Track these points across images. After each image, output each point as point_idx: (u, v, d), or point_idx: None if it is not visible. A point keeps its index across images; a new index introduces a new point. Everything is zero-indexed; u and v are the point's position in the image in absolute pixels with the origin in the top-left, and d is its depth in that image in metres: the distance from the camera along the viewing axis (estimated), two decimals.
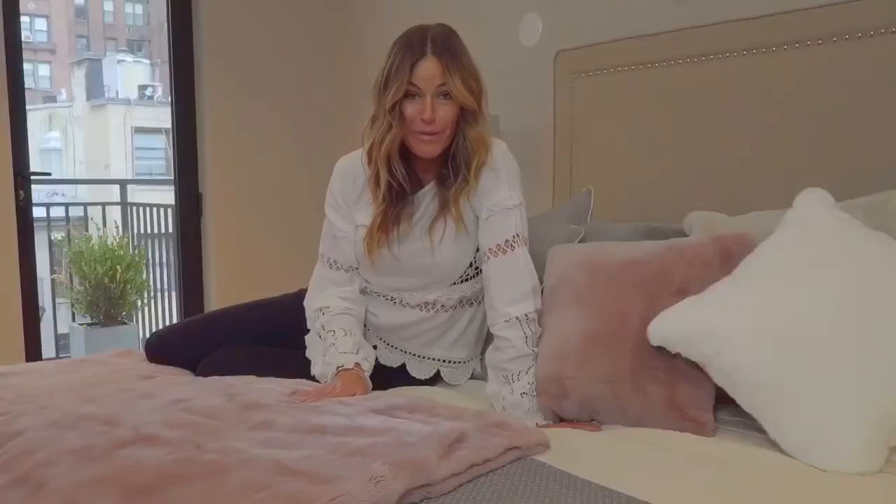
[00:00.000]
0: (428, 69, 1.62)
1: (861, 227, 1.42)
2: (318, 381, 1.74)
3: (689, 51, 2.13)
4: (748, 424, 1.40)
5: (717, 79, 2.07)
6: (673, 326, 1.43)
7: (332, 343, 1.72)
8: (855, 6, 1.82)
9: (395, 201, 1.71)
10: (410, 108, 1.64)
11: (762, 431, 1.34)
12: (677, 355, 1.43)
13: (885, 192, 1.65)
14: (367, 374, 1.69)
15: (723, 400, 1.43)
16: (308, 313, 1.86)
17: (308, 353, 1.83)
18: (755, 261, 1.45)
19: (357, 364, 1.68)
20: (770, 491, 1.14)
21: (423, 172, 1.75)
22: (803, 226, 1.44)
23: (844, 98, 1.85)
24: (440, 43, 1.63)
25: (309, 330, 1.86)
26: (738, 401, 1.38)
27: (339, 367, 1.67)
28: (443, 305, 1.79)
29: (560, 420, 1.61)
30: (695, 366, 1.42)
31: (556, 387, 1.57)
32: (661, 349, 1.45)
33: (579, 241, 1.95)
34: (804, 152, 1.91)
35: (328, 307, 1.79)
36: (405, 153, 1.71)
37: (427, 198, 1.74)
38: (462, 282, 1.78)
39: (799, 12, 1.92)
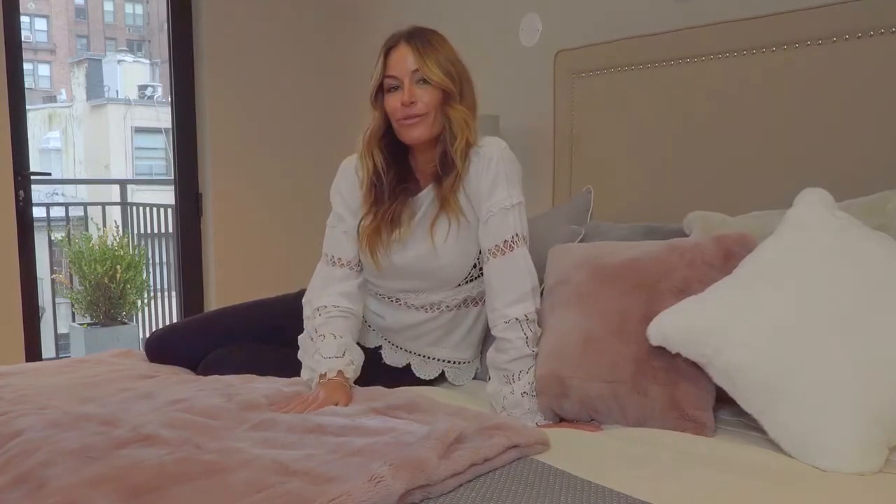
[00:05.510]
0: (400, 55, 1.66)
1: (861, 226, 1.42)
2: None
3: (689, 51, 2.13)
4: (748, 424, 1.40)
5: (717, 79, 2.07)
6: (673, 326, 1.43)
7: (318, 349, 1.67)
8: (855, 6, 1.82)
9: (384, 200, 1.72)
10: (392, 100, 1.66)
11: (762, 431, 1.34)
12: (677, 355, 1.43)
13: (884, 192, 1.65)
14: (353, 380, 1.65)
15: (723, 400, 1.43)
16: (306, 312, 1.82)
17: (300, 355, 1.80)
18: (755, 261, 1.45)
19: (340, 371, 1.62)
20: (769, 491, 1.14)
21: (421, 174, 1.76)
22: (803, 226, 1.44)
23: (844, 98, 1.85)
24: (413, 33, 1.68)
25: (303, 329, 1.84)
26: (738, 401, 1.37)
27: (321, 374, 1.62)
28: (447, 306, 1.80)
29: (560, 420, 1.61)
30: (695, 366, 1.42)
31: (556, 386, 1.57)
32: (661, 349, 1.45)
33: (579, 241, 1.95)
34: (804, 152, 1.91)
35: (326, 307, 1.75)
36: (402, 154, 1.73)
37: (427, 200, 1.74)
38: (466, 283, 1.78)
39: (798, 12, 1.92)
